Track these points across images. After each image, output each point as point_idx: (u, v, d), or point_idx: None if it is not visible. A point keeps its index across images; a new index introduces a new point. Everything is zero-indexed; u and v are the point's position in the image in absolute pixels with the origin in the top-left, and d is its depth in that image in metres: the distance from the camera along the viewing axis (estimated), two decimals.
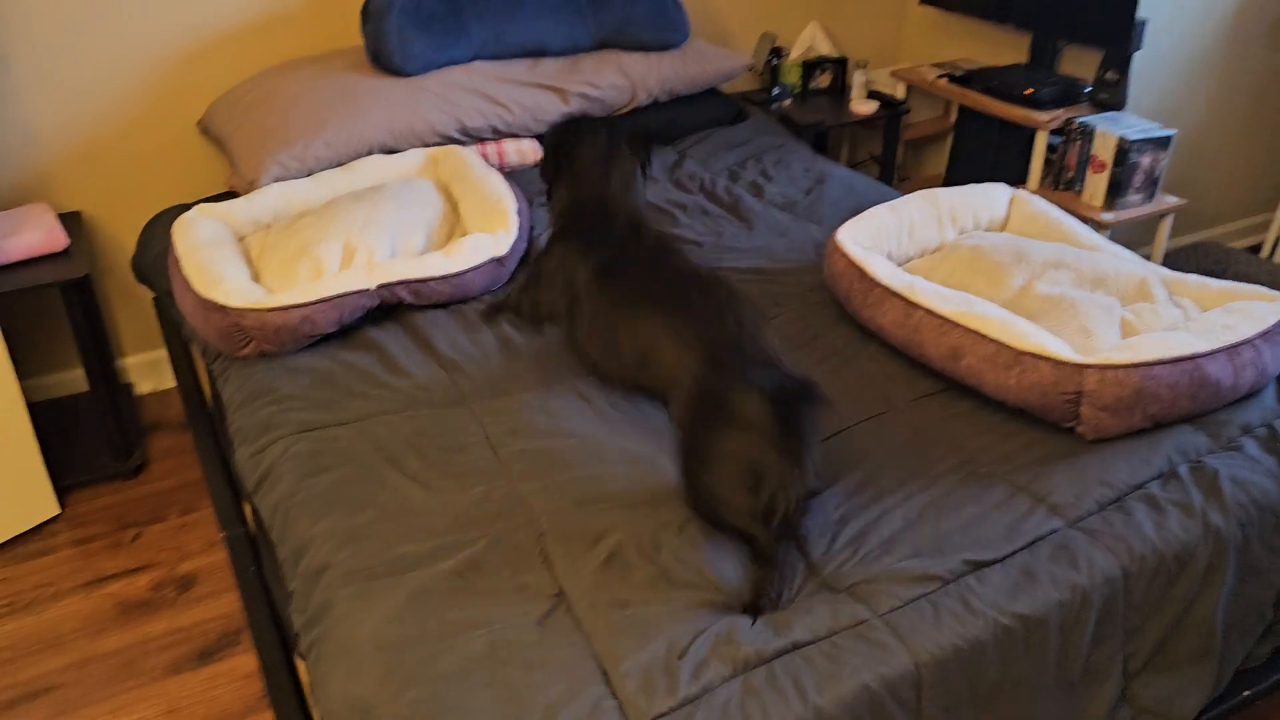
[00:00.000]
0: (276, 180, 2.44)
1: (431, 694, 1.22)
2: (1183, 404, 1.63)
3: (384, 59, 2.63)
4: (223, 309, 1.89)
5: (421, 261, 2.07)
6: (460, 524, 1.49)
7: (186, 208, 2.61)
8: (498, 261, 2.15)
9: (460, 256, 2.10)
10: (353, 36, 2.93)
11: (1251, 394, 1.73)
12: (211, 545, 2.37)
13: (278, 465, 1.64)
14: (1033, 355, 1.64)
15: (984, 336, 1.70)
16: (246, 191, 2.49)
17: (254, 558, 1.80)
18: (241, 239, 2.27)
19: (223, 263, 2.04)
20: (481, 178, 2.40)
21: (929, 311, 1.79)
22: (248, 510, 1.89)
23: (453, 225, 2.31)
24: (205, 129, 2.74)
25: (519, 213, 2.28)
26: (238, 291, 1.93)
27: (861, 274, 1.93)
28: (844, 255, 1.99)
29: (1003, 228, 2.28)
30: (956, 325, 1.74)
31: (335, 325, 1.96)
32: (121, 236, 2.85)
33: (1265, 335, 1.70)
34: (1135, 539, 1.46)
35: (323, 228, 2.12)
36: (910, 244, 2.17)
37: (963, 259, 2.05)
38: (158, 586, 2.25)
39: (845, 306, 2.00)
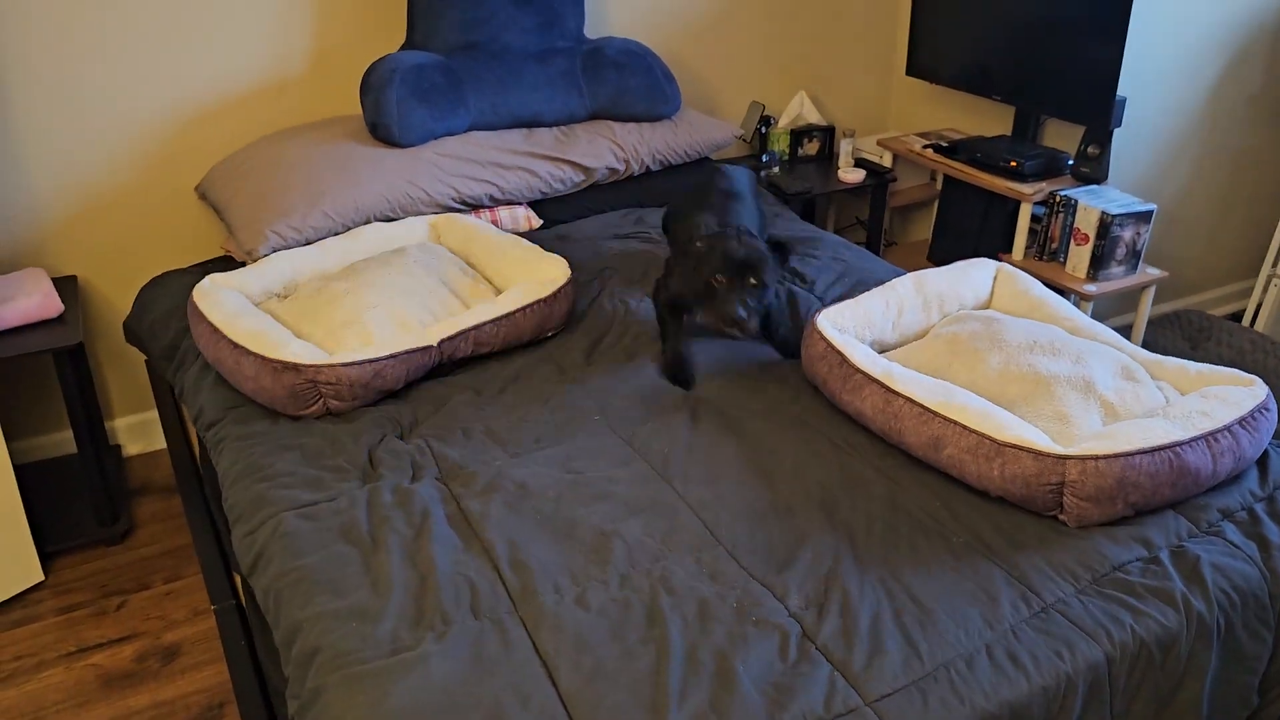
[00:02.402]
0: (275, 249, 2.46)
1: None
2: (1163, 492, 1.65)
3: (383, 131, 2.67)
4: (296, 368, 1.95)
5: (473, 312, 2.18)
6: (448, 602, 1.50)
7: (183, 273, 2.63)
8: (545, 302, 2.23)
9: (509, 300, 2.21)
10: (351, 104, 2.98)
11: (1230, 479, 1.76)
12: (196, 614, 2.36)
13: (269, 545, 1.64)
14: (1014, 447, 1.66)
15: (965, 428, 1.72)
16: (244, 259, 2.52)
17: (244, 632, 1.79)
18: (257, 306, 2.30)
19: (273, 329, 2.10)
20: (507, 240, 2.48)
21: (909, 400, 1.81)
22: (237, 580, 1.89)
23: (478, 289, 2.35)
24: (203, 195, 2.77)
25: (568, 267, 2.36)
26: (305, 352, 2.00)
27: (841, 359, 1.95)
28: (823, 339, 2.01)
29: (988, 304, 2.31)
30: (937, 415, 1.76)
31: (401, 382, 2.05)
32: (116, 299, 2.87)
33: (1242, 422, 1.73)
34: (1115, 626, 1.47)
35: (363, 296, 2.18)
36: (893, 332, 2.19)
37: (941, 346, 2.07)
38: (141, 657, 2.24)
39: (822, 390, 2.02)
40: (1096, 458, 1.61)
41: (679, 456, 1.85)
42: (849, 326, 2.11)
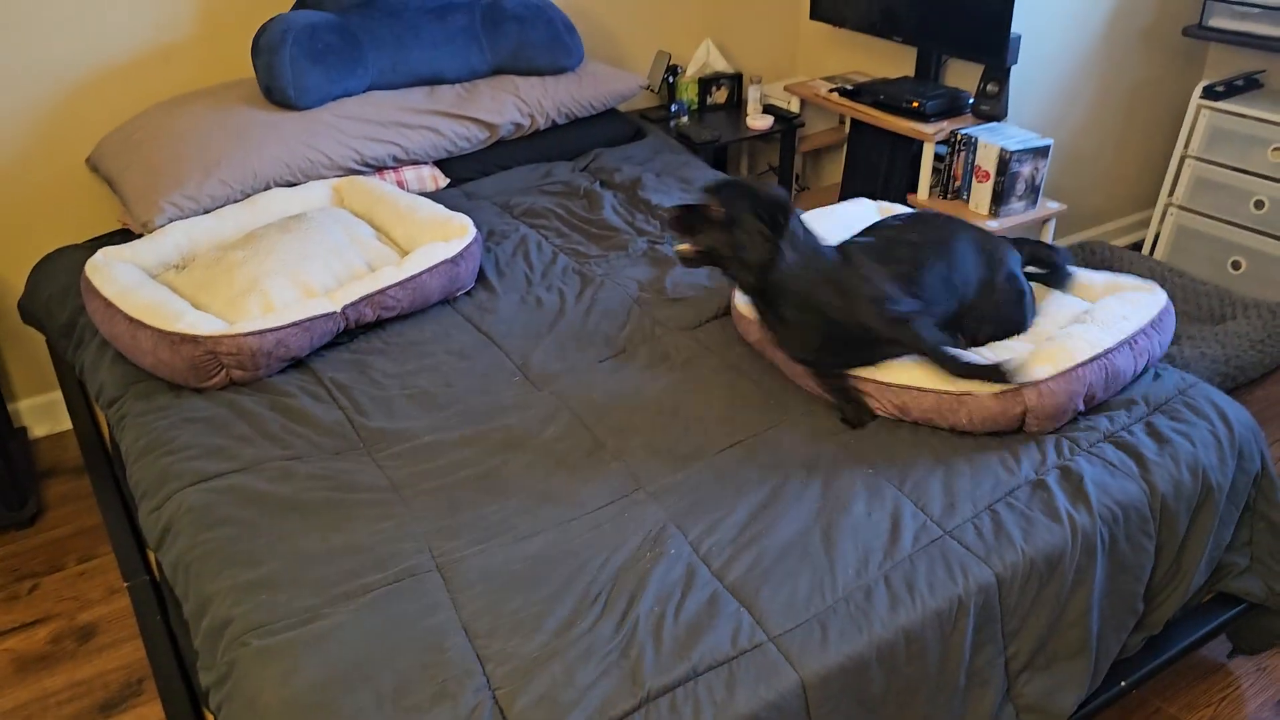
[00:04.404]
0: (172, 220, 2.40)
1: None
2: (1097, 395, 1.80)
3: (278, 94, 2.61)
4: (195, 340, 1.92)
5: (376, 276, 2.15)
6: (360, 570, 1.50)
7: (78, 248, 2.56)
8: (451, 262, 2.22)
9: (413, 263, 2.19)
10: (245, 67, 2.91)
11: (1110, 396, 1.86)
12: (112, 593, 2.33)
13: (176, 520, 1.63)
14: (973, 395, 1.75)
15: (921, 390, 1.78)
16: (141, 232, 2.45)
17: (159, 607, 1.78)
18: (153, 279, 2.25)
19: (170, 300, 2.05)
20: (414, 201, 2.45)
21: (859, 379, 1.84)
22: (151, 557, 1.87)
23: (383, 251, 2.32)
24: (94, 167, 2.69)
25: (474, 225, 2.35)
26: (203, 322, 1.96)
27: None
28: (742, 316, 2.04)
29: None
30: (889, 386, 1.80)
31: (306, 349, 2.03)
32: (11, 278, 2.78)
33: (1153, 323, 1.89)
34: (1005, 546, 1.54)
35: (262, 263, 2.13)
36: None
37: None
38: (56, 639, 2.21)
39: (763, 356, 2.03)
40: (1049, 380, 1.73)
41: (603, 406, 1.87)
42: None
